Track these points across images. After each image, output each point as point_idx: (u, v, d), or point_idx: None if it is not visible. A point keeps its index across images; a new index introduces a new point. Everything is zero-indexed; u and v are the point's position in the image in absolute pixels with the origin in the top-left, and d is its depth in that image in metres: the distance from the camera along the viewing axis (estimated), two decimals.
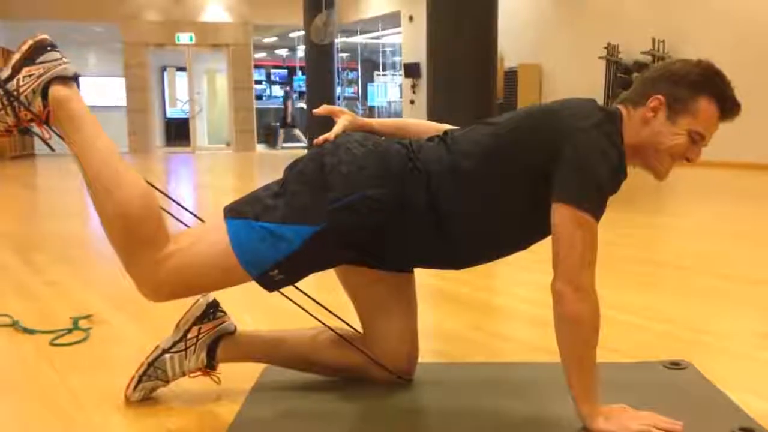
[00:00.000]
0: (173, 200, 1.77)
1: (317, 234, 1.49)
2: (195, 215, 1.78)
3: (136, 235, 1.52)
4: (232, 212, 1.55)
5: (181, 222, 1.67)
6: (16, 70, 1.56)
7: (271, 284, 1.55)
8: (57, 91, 1.57)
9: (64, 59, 1.59)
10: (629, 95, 1.63)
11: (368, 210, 1.51)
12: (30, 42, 1.59)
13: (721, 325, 2.34)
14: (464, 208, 1.55)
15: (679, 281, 3.05)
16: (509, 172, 1.53)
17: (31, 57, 1.57)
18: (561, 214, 1.43)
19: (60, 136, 1.59)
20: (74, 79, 1.60)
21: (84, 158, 1.56)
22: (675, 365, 1.86)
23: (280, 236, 1.49)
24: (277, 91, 21.88)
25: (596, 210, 1.44)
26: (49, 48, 1.59)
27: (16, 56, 1.57)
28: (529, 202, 1.52)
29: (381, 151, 1.57)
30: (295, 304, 1.67)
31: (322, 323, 1.73)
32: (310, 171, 1.55)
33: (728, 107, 1.56)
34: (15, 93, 1.55)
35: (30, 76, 1.56)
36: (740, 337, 2.20)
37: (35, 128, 1.59)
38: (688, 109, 1.55)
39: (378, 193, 1.52)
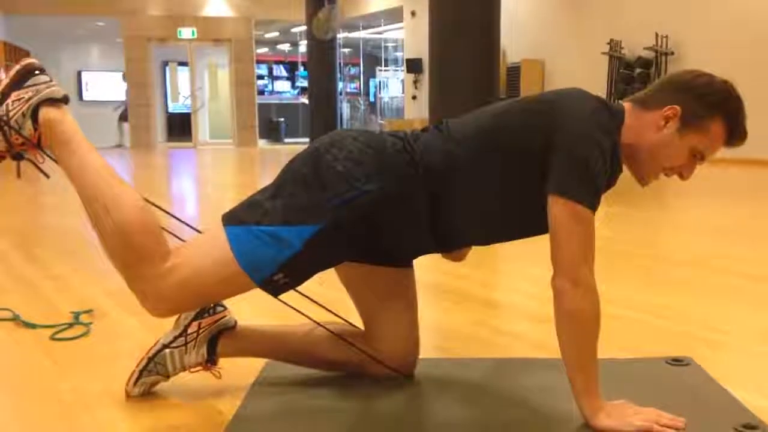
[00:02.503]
0: (171, 215, 1.76)
1: (318, 233, 1.48)
2: (193, 227, 1.77)
3: (136, 251, 1.51)
4: (231, 219, 1.53)
5: (179, 238, 1.66)
6: (5, 95, 1.56)
7: (276, 289, 1.54)
8: (46, 113, 1.57)
9: (52, 82, 1.59)
10: (641, 95, 1.61)
11: (367, 206, 1.50)
12: (17, 67, 1.59)
13: (722, 320, 2.33)
14: (461, 195, 1.55)
15: (680, 277, 3.04)
16: (504, 158, 1.52)
17: (18, 81, 1.57)
18: (557, 207, 1.42)
19: (53, 159, 1.59)
20: (64, 100, 1.60)
21: (79, 179, 1.56)
22: (677, 361, 1.85)
23: (281, 239, 1.48)
24: (279, 86, 21.88)
25: (592, 202, 1.43)
26: (36, 72, 1.59)
27: (5, 81, 1.57)
28: (525, 188, 1.51)
29: (376, 146, 1.56)
30: (292, 308, 1.66)
31: (318, 324, 1.72)
32: (307, 170, 1.54)
33: (736, 135, 1.55)
34: (5, 118, 1.54)
35: (19, 100, 1.56)
36: (742, 333, 2.20)
37: (28, 153, 1.59)
38: (700, 126, 1.54)
39: (376, 188, 1.51)
